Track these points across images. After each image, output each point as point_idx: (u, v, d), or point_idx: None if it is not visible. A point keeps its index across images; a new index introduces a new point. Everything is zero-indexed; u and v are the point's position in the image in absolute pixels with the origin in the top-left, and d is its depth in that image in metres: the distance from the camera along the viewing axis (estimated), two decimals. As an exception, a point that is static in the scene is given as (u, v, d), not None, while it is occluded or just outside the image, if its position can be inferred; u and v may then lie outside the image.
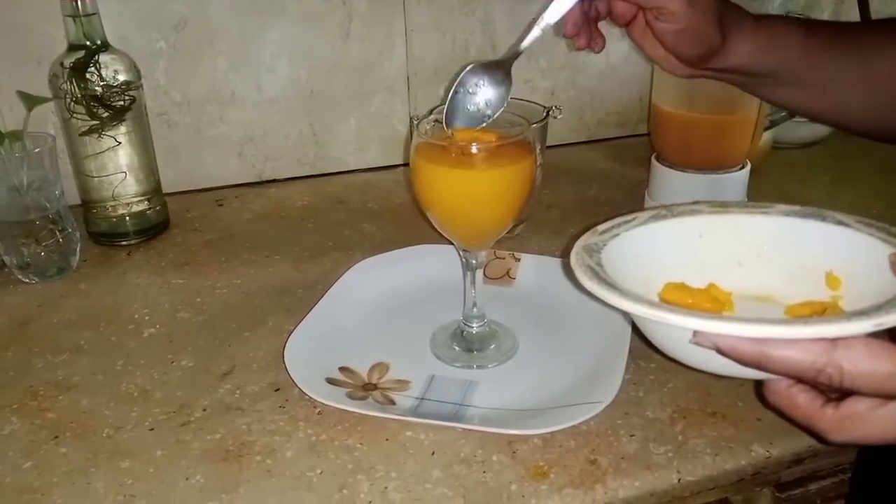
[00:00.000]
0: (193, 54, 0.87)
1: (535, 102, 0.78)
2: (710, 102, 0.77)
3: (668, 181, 0.81)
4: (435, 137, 0.54)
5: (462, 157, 0.51)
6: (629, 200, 0.89)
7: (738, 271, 0.52)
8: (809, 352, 0.37)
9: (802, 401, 0.40)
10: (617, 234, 0.51)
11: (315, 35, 0.91)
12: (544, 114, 0.77)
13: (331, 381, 0.55)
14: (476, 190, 0.52)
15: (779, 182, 0.94)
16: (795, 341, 0.37)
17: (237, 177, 0.95)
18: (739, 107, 0.77)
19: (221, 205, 0.90)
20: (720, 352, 0.39)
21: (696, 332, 0.39)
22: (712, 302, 0.50)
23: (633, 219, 0.53)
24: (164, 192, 0.84)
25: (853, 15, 1.02)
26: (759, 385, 0.43)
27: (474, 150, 0.51)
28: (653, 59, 0.59)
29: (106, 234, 0.80)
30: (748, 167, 0.80)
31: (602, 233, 0.51)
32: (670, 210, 0.54)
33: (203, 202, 0.91)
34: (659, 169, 0.82)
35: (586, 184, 0.95)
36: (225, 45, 0.88)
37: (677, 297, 0.49)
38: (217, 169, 0.93)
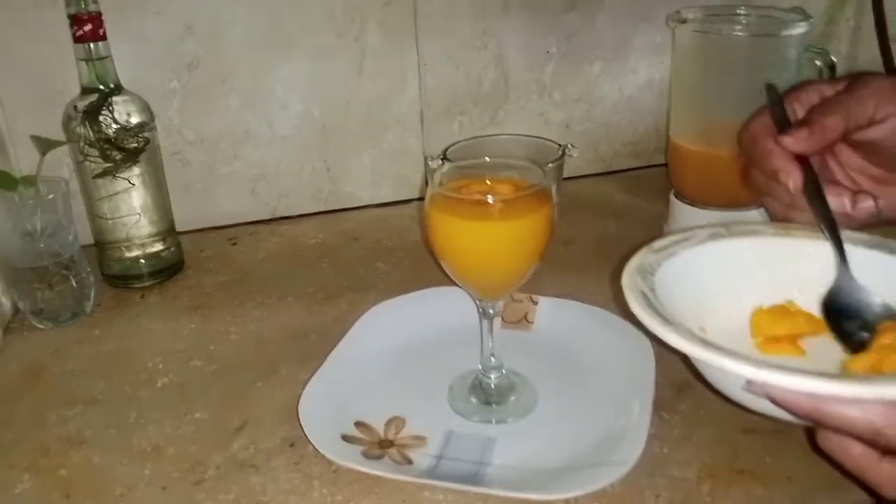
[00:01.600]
0: (206, 93, 0.87)
1: (549, 140, 0.78)
2: (728, 138, 0.75)
3: (688, 218, 0.80)
4: (449, 189, 0.53)
5: (478, 207, 0.50)
6: (649, 236, 0.87)
7: (797, 299, 0.51)
8: (868, 411, 0.36)
9: (857, 451, 0.39)
10: (673, 254, 0.50)
11: (328, 71, 0.90)
12: (560, 152, 0.76)
13: (346, 437, 0.53)
14: (493, 242, 0.51)
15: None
16: (853, 400, 0.36)
17: (251, 214, 0.94)
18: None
19: (235, 243, 0.89)
20: (773, 402, 0.38)
21: (748, 381, 0.38)
22: (811, 325, 0.48)
23: (691, 237, 0.52)
24: (177, 230, 0.83)
25: (871, 44, 1.01)
26: (810, 428, 0.42)
27: (490, 201, 0.50)
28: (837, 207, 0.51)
29: (120, 277, 0.79)
30: (768, 203, 0.79)
31: (658, 251, 0.50)
32: (729, 229, 0.52)
33: (217, 241, 0.90)
34: (678, 206, 0.81)
35: (604, 218, 0.93)
36: (238, 83, 0.88)
37: (770, 323, 0.48)
38: (230, 206, 0.93)
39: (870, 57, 1.07)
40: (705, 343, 0.39)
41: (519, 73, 0.97)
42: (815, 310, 0.49)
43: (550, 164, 0.73)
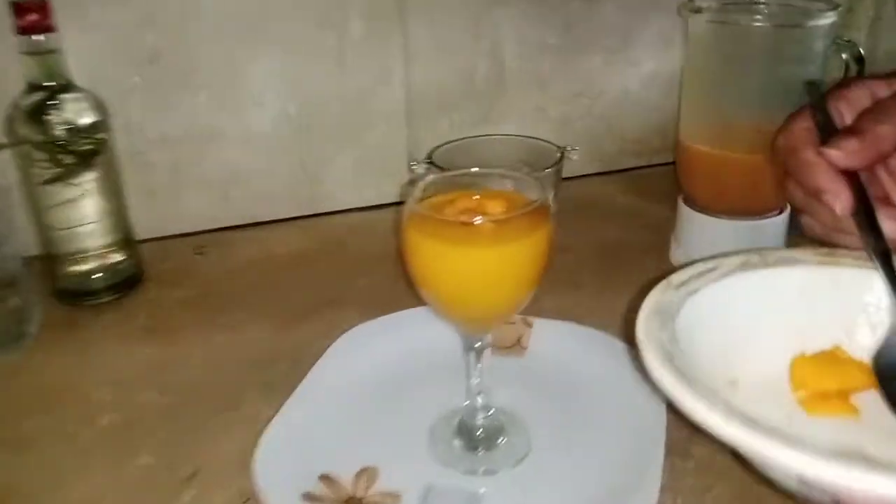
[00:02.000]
0: (171, 89, 0.79)
1: (546, 141, 0.70)
2: (746, 141, 0.68)
3: (698, 227, 0.72)
4: (431, 205, 0.46)
5: (464, 230, 0.43)
6: (655, 244, 0.80)
7: (845, 343, 0.43)
8: None
9: None
10: (696, 290, 0.41)
11: (306, 64, 0.83)
12: (558, 155, 0.68)
13: (308, 496, 0.46)
14: (481, 270, 0.44)
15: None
16: None
17: (221, 219, 0.87)
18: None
19: (202, 253, 0.82)
20: None
21: (804, 478, 0.29)
22: (864, 377, 0.40)
23: (717, 267, 0.43)
24: (139, 238, 0.76)
25: (890, 35, 0.93)
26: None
27: (478, 222, 0.42)
28: None
29: (72, 293, 0.71)
30: (787, 211, 0.72)
31: (678, 286, 0.41)
32: (762, 257, 0.44)
33: (182, 249, 0.83)
34: (687, 213, 0.73)
35: (605, 223, 0.86)
36: (206, 78, 0.80)
37: (816, 375, 0.40)
38: (199, 212, 0.85)
39: (889, 47, 1.00)
40: (751, 424, 0.30)
41: (515, 65, 0.89)
42: (866, 356, 0.42)
43: (548, 170, 0.66)
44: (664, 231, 0.82)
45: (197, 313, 0.70)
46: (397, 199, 0.91)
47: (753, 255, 0.43)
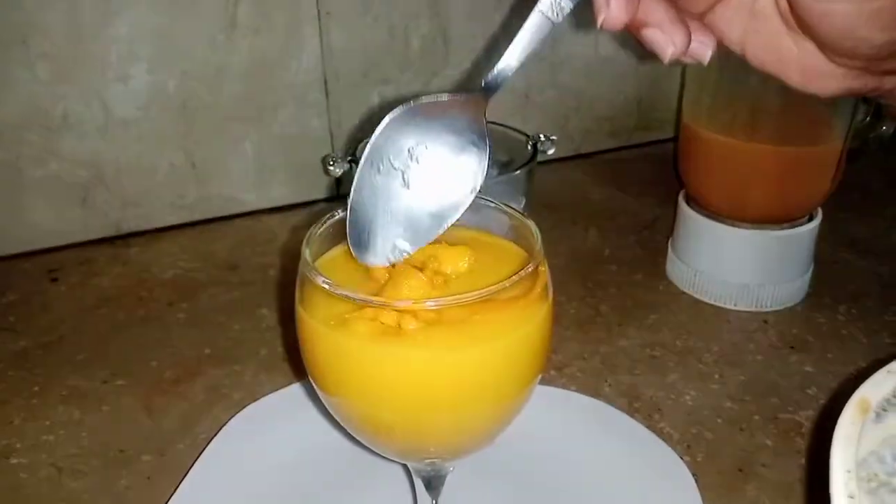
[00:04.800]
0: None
1: (509, 127, 0.52)
2: (777, 127, 0.51)
3: (704, 235, 0.56)
4: (339, 269, 0.27)
5: (407, 319, 0.24)
6: (644, 254, 0.63)
7: None
8: None
9: None
10: None
11: (186, 26, 0.62)
12: (529, 148, 0.50)
13: None
14: (437, 386, 0.25)
15: (846, 228, 0.67)
16: None
17: (83, 232, 0.66)
18: (825, 132, 0.51)
19: (56, 279, 0.62)
20: None
21: None
22: None
23: None
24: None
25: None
26: None
27: (432, 306, 0.24)
28: (767, 68, 0.31)
29: None
30: (818, 218, 0.55)
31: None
32: None
33: (32, 275, 0.62)
34: (690, 217, 0.57)
35: (579, 226, 0.69)
36: (48, 44, 0.59)
37: None
38: (52, 223, 0.65)
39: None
40: None
41: (461, 24, 0.70)
42: None
43: (518, 171, 0.48)
44: (654, 235, 0.66)
45: (37, 374, 0.50)
46: (315, 198, 0.72)
47: None
